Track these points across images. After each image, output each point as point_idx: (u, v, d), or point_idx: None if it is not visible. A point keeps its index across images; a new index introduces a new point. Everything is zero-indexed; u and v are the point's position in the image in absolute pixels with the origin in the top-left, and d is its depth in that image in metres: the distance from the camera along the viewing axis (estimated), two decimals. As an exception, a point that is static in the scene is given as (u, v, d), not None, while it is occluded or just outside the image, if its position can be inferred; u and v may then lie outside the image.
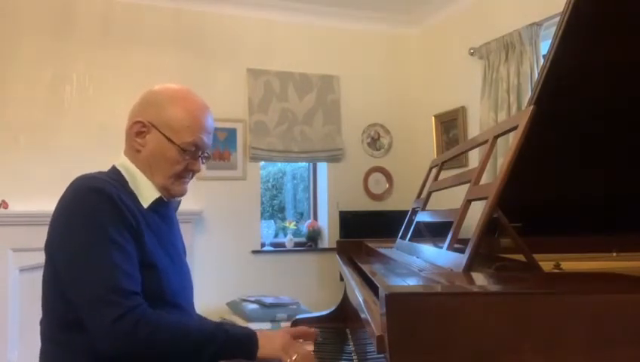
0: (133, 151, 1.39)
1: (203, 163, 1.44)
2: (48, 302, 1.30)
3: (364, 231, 3.29)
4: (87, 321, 1.19)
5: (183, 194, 1.43)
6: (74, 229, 1.23)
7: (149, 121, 1.36)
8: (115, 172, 1.38)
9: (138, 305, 1.19)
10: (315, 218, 4.73)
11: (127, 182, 1.36)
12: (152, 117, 1.36)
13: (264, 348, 1.27)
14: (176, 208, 1.53)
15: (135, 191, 1.35)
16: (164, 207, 1.42)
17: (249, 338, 1.28)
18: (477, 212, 1.06)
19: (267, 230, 4.61)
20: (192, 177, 1.44)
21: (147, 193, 1.36)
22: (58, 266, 1.26)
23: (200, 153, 1.40)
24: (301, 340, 1.42)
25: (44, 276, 1.31)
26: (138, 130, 1.37)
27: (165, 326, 1.21)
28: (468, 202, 1.17)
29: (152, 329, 1.18)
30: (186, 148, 1.36)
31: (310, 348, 1.41)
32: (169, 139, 1.35)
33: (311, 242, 4.58)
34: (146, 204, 1.35)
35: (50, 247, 1.29)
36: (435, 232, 1.60)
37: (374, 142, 4.73)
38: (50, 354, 1.30)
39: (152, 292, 1.26)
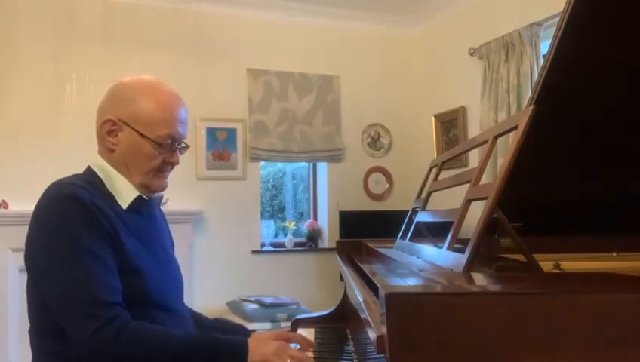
0: (107, 151, 1.33)
1: (181, 154, 1.38)
2: (33, 312, 1.26)
3: (364, 231, 3.28)
4: (69, 333, 1.17)
5: (163, 188, 1.37)
6: (48, 241, 1.19)
7: (119, 118, 1.30)
8: (90, 173, 1.33)
9: (117, 316, 1.16)
10: (315, 218, 4.73)
11: (103, 184, 1.30)
12: (122, 113, 1.30)
13: (254, 354, 1.21)
14: (159, 204, 1.48)
15: (113, 192, 1.30)
16: (146, 206, 1.37)
17: (237, 347, 1.23)
18: (477, 212, 1.06)
19: (267, 230, 4.61)
20: (171, 170, 1.38)
21: (125, 193, 1.31)
22: (36, 278, 1.23)
23: (177, 145, 1.35)
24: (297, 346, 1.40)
25: (26, 286, 1.27)
26: (109, 129, 1.31)
27: (146, 337, 1.18)
28: (468, 202, 1.17)
29: (132, 341, 1.15)
30: (161, 141, 1.30)
31: (310, 354, 1.40)
32: (142, 135, 1.29)
33: (311, 242, 4.58)
34: (125, 205, 1.30)
35: (27, 259, 1.25)
36: (435, 232, 1.60)
37: (374, 142, 4.72)
38: None
39: (137, 297, 1.23)
